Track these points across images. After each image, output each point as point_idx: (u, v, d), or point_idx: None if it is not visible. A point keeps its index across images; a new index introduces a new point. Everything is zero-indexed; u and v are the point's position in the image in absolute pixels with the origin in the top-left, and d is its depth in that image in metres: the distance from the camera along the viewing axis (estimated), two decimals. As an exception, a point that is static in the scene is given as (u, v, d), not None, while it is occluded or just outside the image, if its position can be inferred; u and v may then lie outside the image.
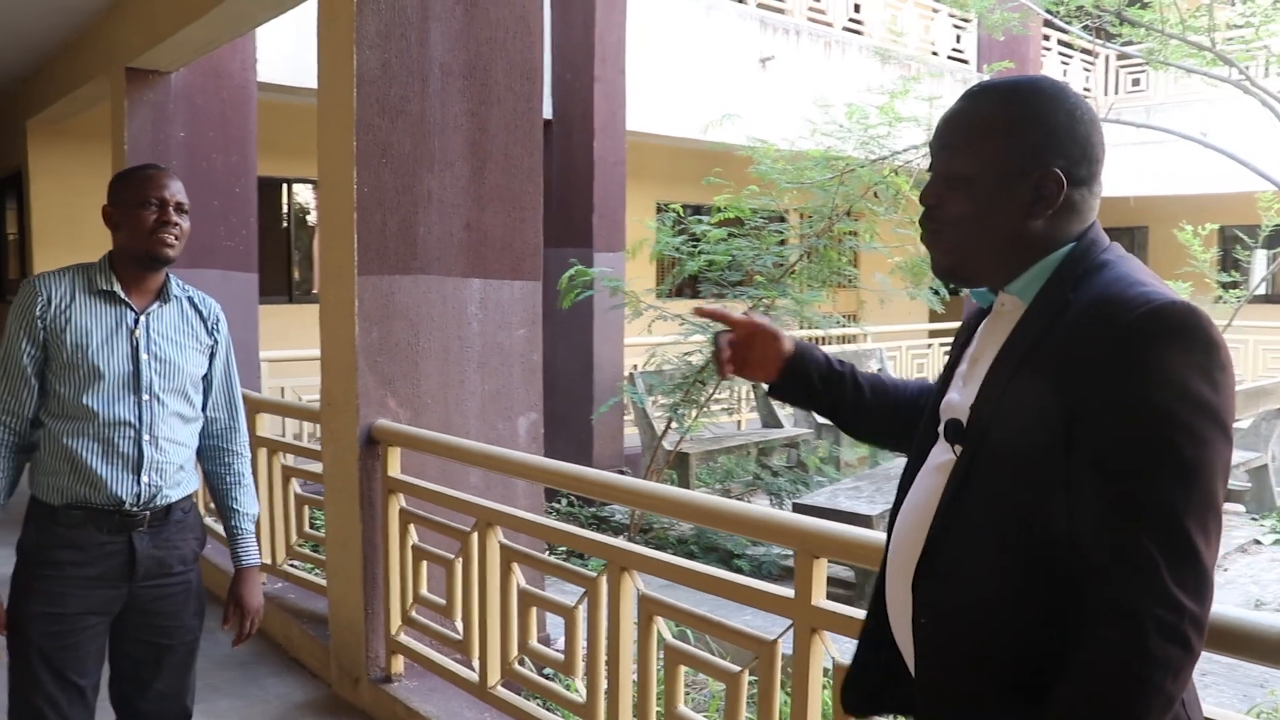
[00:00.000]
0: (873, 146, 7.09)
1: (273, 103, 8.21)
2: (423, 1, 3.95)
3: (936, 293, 6.87)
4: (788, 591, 2.45)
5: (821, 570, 2.40)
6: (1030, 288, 1.42)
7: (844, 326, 11.46)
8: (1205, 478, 1.24)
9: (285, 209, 11.29)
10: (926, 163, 6.33)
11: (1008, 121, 1.41)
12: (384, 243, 3.94)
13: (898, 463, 8.02)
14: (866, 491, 6.77)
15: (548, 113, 9.62)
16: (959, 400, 1.49)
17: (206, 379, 2.68)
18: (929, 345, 14.07)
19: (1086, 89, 16.59)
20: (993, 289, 1.50)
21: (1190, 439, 1.24)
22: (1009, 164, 1.40)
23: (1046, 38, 15.05)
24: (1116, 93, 17.33)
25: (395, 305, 3.98)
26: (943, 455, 1.50)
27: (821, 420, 9.89)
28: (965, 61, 14.23)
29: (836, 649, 2.40)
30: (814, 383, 1.82)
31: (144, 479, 2.47)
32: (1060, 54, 15.88)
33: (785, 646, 2.49)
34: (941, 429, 1.52)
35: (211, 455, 2.76)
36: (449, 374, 4.13)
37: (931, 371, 13.88)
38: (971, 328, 1.59)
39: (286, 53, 7.66)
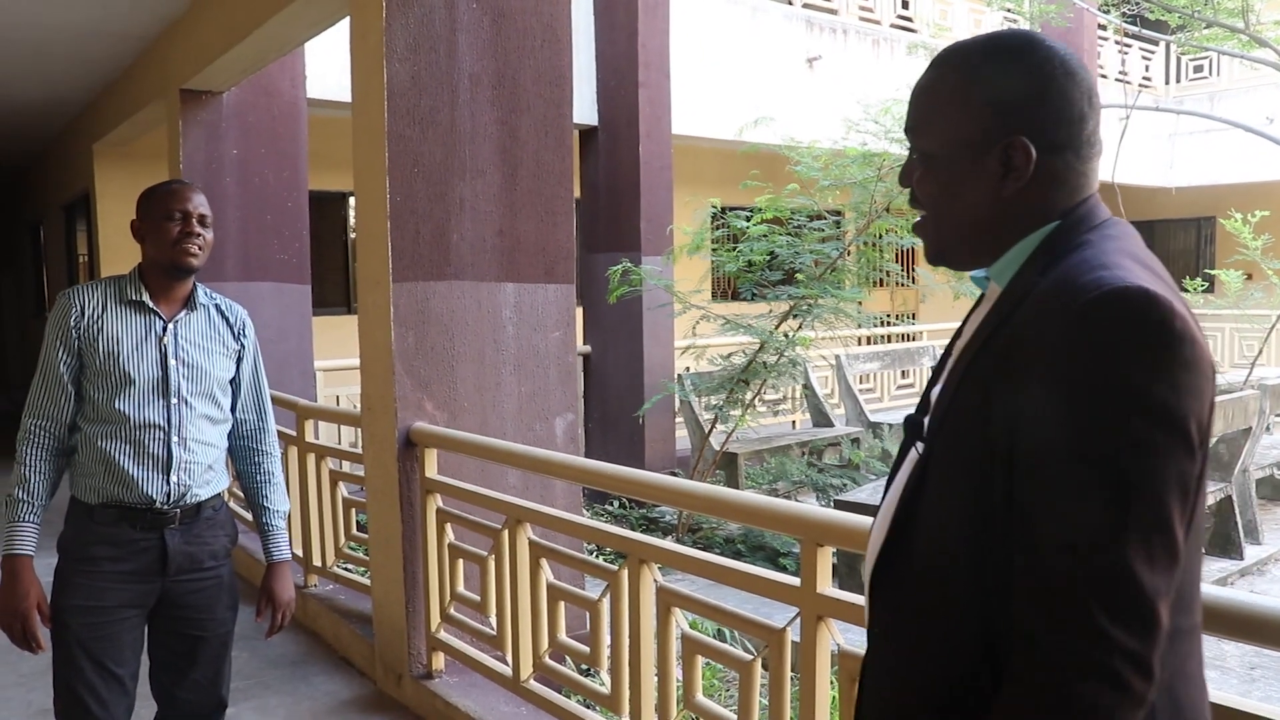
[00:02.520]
0: (913, 142, 7.06)
1: (331, 118, 8.40)
2: (451, 14, 4.06)
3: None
4: (794, 580, 2.50)
5: (826, 558, 2.44)
6: (1007, 271, 1.27)
7: (895, 324, 11.40)
8: (1152, 493, 1.06)
9: (346, 222, 11.51)
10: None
11: (964, 90, 1.26)
12: (418, 250, 4.04)
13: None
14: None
15: (593, 119, 9.73)
16: (935, 396, 1.36)
17: (234, 382, 2.79)
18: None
19: (1147, 78, 16.31)
20: (983, 268, 1.34)
21: (1135, 447, 1.06)
22: (969, 137, 1.25)
23: (1103, 28, 14.81)
24: (1179, 81, 17.03)
25: (430, 311, 4.08)
26: (912, 454, 1.36)
27: (873, 418, 9.88)
28: (1018, 55, 14.07)
29: (843, 636, 2.44)
30: None
31: (173, 478, 2.59)
32: (1118, 44, 15.62)
33: (796, 634, 2.53)
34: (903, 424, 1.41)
35: (242, 455, 2.88)
36: (485, 377, 4.23)
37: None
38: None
39: (341, 69, 7.83)
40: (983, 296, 1.37)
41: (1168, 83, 16.90)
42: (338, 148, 8.73)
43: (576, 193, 4.65)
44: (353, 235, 11.45)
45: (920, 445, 1.31)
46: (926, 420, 1.33)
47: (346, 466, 5.13)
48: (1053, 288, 1.15)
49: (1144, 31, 12.30)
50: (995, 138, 1.24)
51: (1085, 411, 1.06)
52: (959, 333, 1.40)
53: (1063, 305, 1.11)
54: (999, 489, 1.15)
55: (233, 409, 2.81)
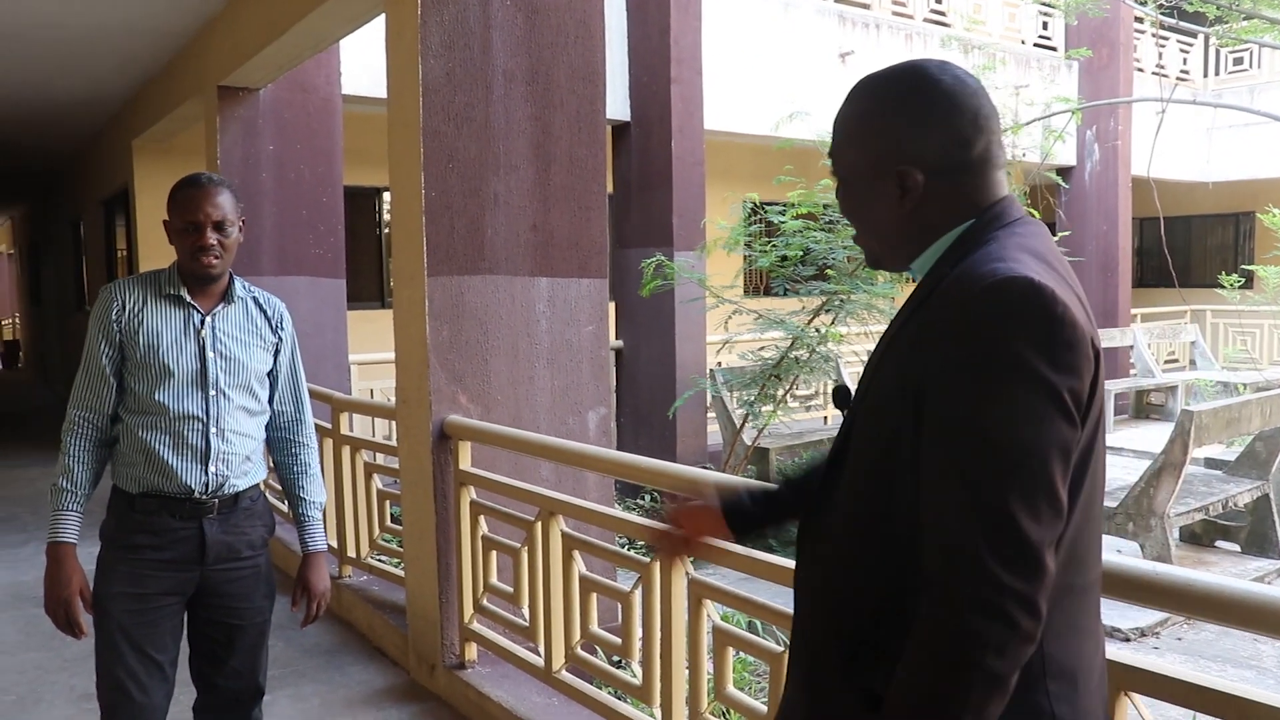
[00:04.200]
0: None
1: (366, 114, 8.47)
2: (485, 11, 4.09)
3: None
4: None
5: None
6: (925, 265, 1.43)
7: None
8: (1036, 456, 1.20)
9: (379, 217, 11.60)
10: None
11: (861, 125, 1.44)
12: (452, 244, 4.08)
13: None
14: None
15: (626, 115, 9.75)
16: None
17: (272, 374, 2.83)
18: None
19: (1184, 71, 16.13)
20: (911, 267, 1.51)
21: (1023, 416, 1.20)
22: (866, 165, 1.43)
23: (1140, 20, 14.67)
24: (1218, 74, 16.83)
25: (464, 305, 4.12)
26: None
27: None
28: (1053, 49, 13.96)
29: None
30: (758, 512, 1.89)
31: (211, 469, 2.64)
32: (1155, 35, 15.45)
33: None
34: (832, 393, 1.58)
35: (280, 446, 2.92)
36: (518, 370, 4.26)
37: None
38: None
39: (375, 65, 7.90)
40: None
41: (1206, 76, 16.70)
42: (371, 143, 8.81)
43: (609, 188, 4.67)
44: (386, 230, 11.53)
45: (844, 413, 1.48)
46: (847, 390, 1.51)
47: (381, 459, 5.18)
48: (956, 277, 1.30)
49: (1182, 24, 12.17)
50: (888, 167, 1.40)
51: (976, 382, 1.22)
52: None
53: (961, 291, 1.27)
54: (907, 450, 1.30)
55: (270, 401, 2.84)
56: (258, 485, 2.79)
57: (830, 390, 10.30)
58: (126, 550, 2.63)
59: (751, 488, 1.96)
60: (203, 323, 2.67)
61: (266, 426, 2.85)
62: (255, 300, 2.81)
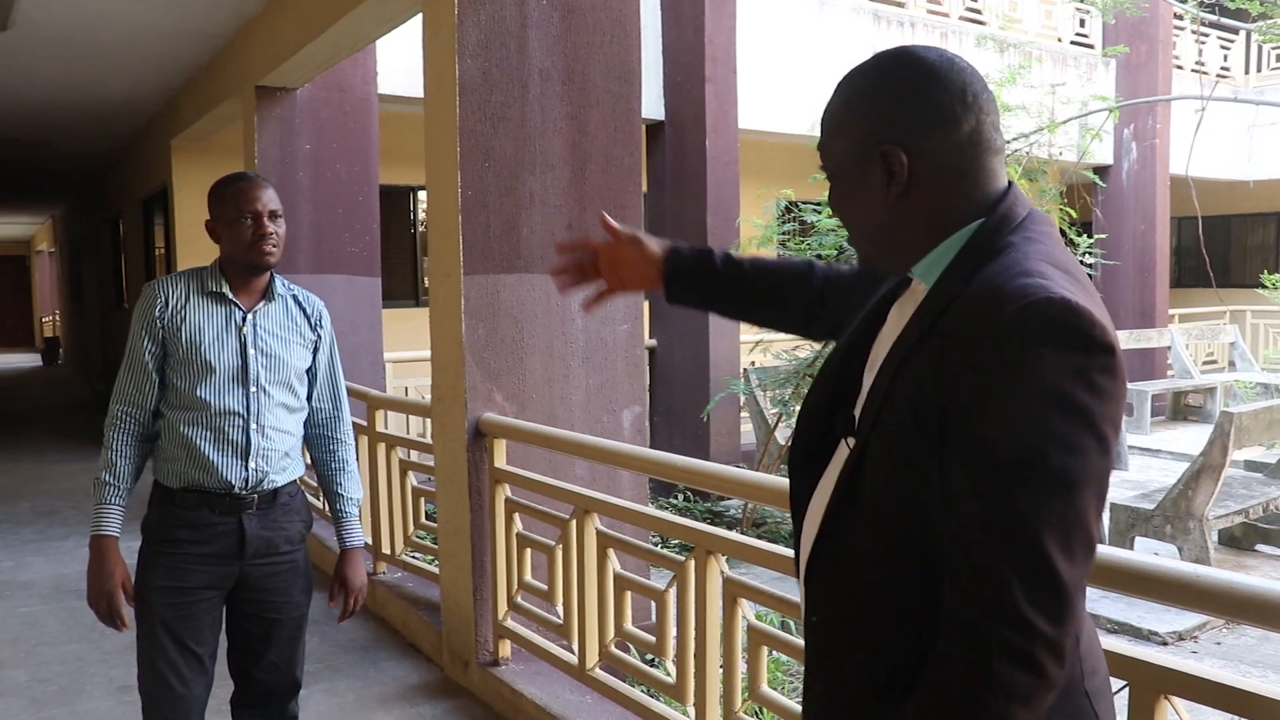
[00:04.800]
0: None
1: (400, 114, 8.52)
2: (521, 10, 4.11)
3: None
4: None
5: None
6: (933, 271, 1.31)
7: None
8: (1073, 491, 1.12)
9: (413, 216, 11.66)
10: (1039, 150, 6.22)
11: (844, 112, 1.35)
12: (488, 243, 4.10)
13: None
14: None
15: (660, 114, 9.75)
16: (862, 390, 1.40)
17: (311, 371, 2.85)
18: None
19: (1225, 68, 15.93)
20: (908, 272, 1.38)
21: (1059, 448, 1.12)
22: (852, 154, 1.34)
23: (1179, 17, 14.52)
24: (1259, 70, 16.60)
25: (500, 303, 4.14)
26: (842, 448, 1.39)
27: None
28: (1090, 47, 13.83)
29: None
30: (694, 272, 1.79)
31: (251, 464, 2.66)
32: (1195, 33, 15.28)
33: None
34: (839, 423, 1.41)
35: (318, 443, 2.95)
36: (553, 369, 4.28)
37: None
38: (887, 301, 1.47)
39: (410, 65, 7.96)
40: (903, 287, 1.42)
41: (1247, 73, 16.47)
42: (406, 142, 8.89)
43: (644, 187, 4.68)
44: (421, 229, 11.59)
45: (850, 439, 1.35)
46: (857, 414, 1.37)
47: (416, 456, 5.21)
48: (981, 294, 1.20)
49: (1223, 20, 12.03)
50: (871, 150, 1.30)
51: (1014, 413, 1.12)
52: (875, 317, 1.46)
53: (990, 312, 1.16)
54: (933, 479, 1.20)
55: (309, 398, 2.87)
56: (296, 481, 2.81)
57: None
58: (167, 544, 2.66)
59: (697, 252, 1.81)
60: (244, 319, 2.70)
61: (305, 423, 2.88)
62: (295, 298, 2.84)
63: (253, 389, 2.68)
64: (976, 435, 1.15)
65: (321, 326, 2.87)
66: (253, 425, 2.67)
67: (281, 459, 2.73)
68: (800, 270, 1.80)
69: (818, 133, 1.42)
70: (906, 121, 1.28)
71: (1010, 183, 1.33)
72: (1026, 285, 1.16)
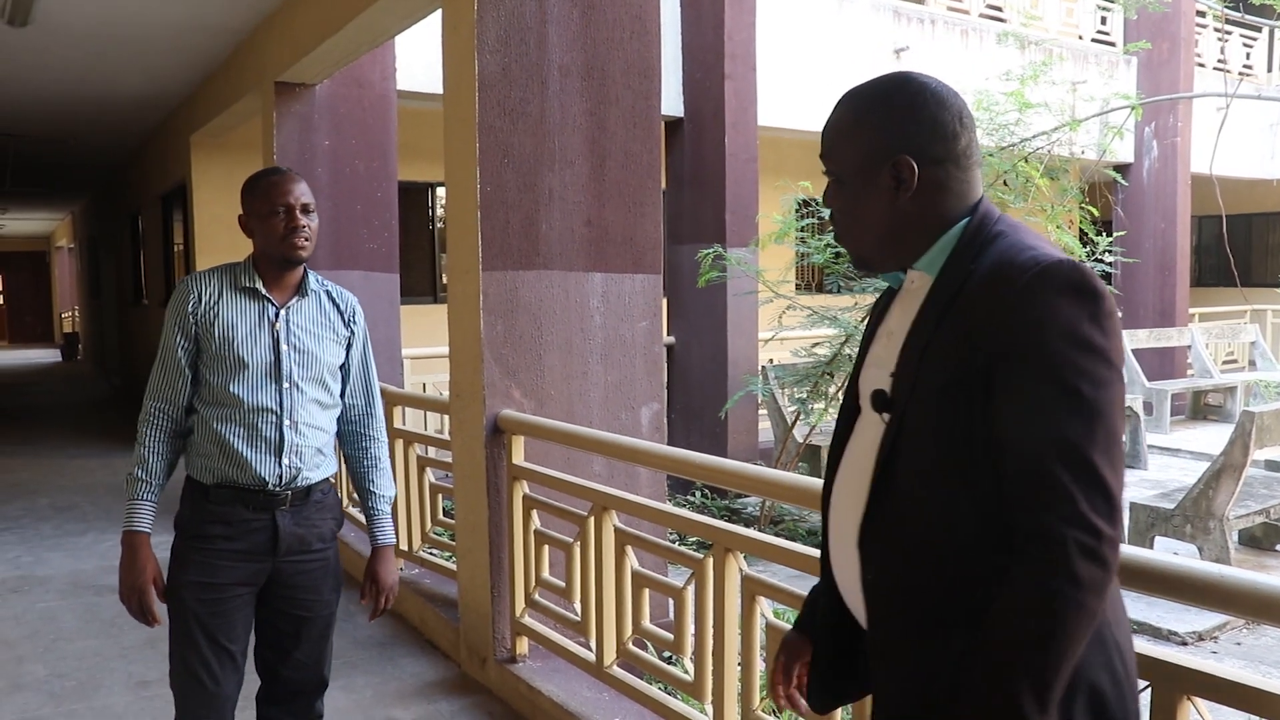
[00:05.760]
0: (1003, 134, 6.97)
1: (419, 110, 8.52)
2: (541, 6, 4.10)
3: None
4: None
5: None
6: (935, 262, 1.54)
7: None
8: (1106, 414, 1.36)
9: (431, 212, 11.68)
10: (1059, 148, 6.19)
11: (856, 124, 1.56)
12: (507, 239, 4.10)
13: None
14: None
15: (679, 111, 9.73)
16: (879, 373, 1.60)
17: (344, 368, 2.84)
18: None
19: (1247, 66, 15.79)
20: (902, 269, 1.60)
21: (1089, 381, 1.35)
22: (863, 160, 1.55)
23: (1202, 14, 14.41)
24: (1283, 69, 16.47)
25: (519, 299, 4.13)
26: (870, 425, 1.60)
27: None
28: (1111, 44, 13.74)
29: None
30: (830, 634, 1.77)
31: (285, 461, 2.65)
32: (1217, 31, 15.16)
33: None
34: (867, 401, 1.62)
35: (351, 440, 2.93)
36: (572, 365, 4.27)
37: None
38: (883, 308, 1.71)
39: (429, 61, 7.96)
40: (894, 290, 1.66)
41: (1270, 70, 16.33)
42: (424, 139, 8.90)
43: (663, 184, 4.67)
44: (439, 225, 11.61)
45: (885, 415, 1.55)
46: (887, 391, 1.56)
47: (433, 453, 5.21)
48: (996, 269, 1.43)
49: (1246, 17, 11.93)
50: (883, 158, 1.52)
51: (1049, 358, 1.35)
52: (877, 316, 1.71)
53: (1012, 280, 1.40)
54: (976, 430, 1.42)
55: (342, 395, 2.86)
56: (328, 479, 2.80)
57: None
58: (200, 540, 2.65)
59: (808, 607, 1.86)
60: (277, 315, 2.69)
61: (338, 420, 2.87)
62: (329, 294, 2.82)
63: (286, 385, 2.67)
64: (1020, 381, 1.37)
65: (355, 323, 2.86)
66: (286, 421, 2.66)
67: (315, 455, 2.72)
68: None
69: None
70: (915, 136, 1.51)
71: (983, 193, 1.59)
72: (1035, 255, 1.41)
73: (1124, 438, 1.43)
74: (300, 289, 2.75)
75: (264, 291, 2.70)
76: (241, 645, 2.72)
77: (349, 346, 2.84)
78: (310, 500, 2.73)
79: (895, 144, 1.51)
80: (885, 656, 1.57)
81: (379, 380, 3.03)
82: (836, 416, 1.76)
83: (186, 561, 2.66)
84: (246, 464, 2.63)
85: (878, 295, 1.78)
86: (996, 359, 1.39)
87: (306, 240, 2.68)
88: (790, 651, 1.87)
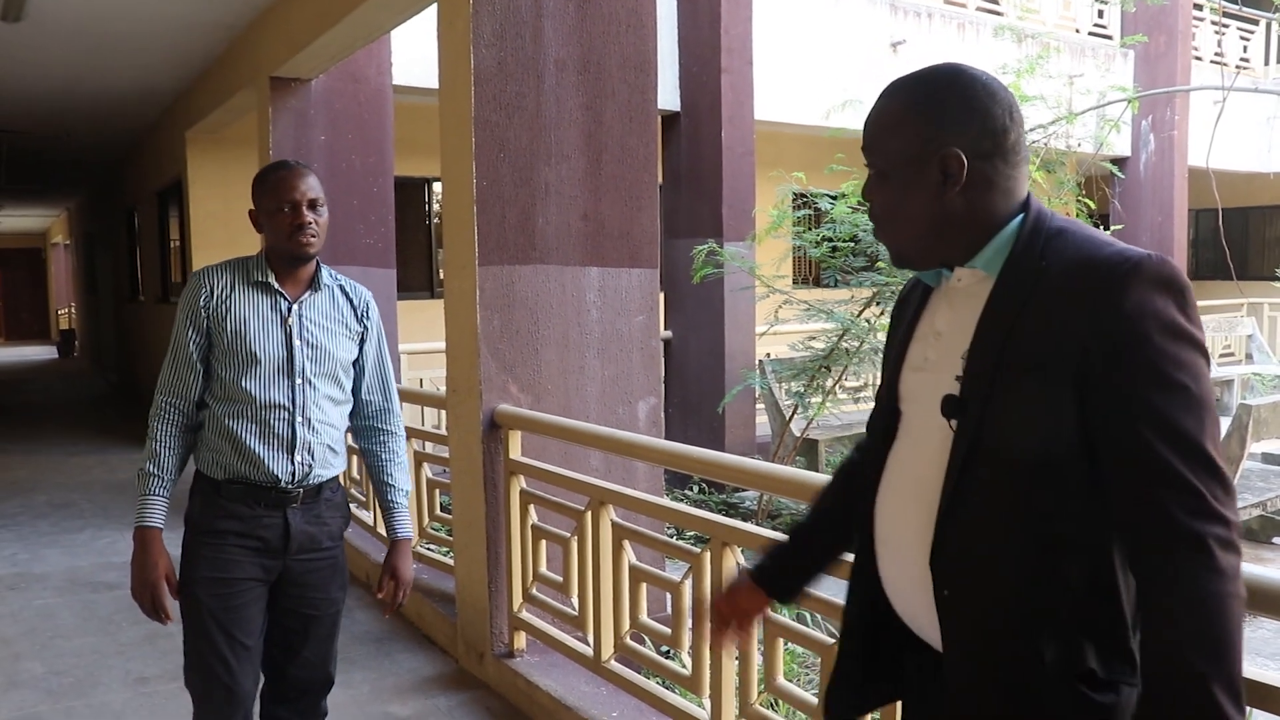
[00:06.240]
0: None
1: (415, 105, 8.50)
2: (536, 0, 4.09)
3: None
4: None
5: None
6: (995, 261, 1.50)
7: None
8: (1210, 404, 1.36)
9: (427, 207, 11.66)
10: (1056, 142, 6.18)
11: (904, 116, 1.51)
12: (503, 234, 4.09)
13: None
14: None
15: (676, 105, 9.72)
16: (935, 377, 1.55)
17: (358, 363, 2.80)
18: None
19: (1244, 59, 15.78)
20: (949, 267, 1.56)
21: (1190, 373, 1.35)
22: (911, 153, 1.50)
23: (1199, 7, 14.40)
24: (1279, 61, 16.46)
25: (515, 294, 4.13)
26: (928, 431, 1.54)
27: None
28: (1109, 38, 13.73)
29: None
30: (792, 570, 1.95)
31: (297, 458, 2.63)
32: (1214, 24, 15.14)
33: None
34: (920, 404, 1.58)
35: (367, 435, 2.90)
36: (569, 360, 4.26)
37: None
38: (916, 307, 1.65)
39: (425, 56, 7.94)
40: (928, 290, 1.63)
41: (1267, 64, 16.33)
42: (420, 133, 8.89)
43: (659, 178, 4.66)
44: (435, 220, 11.59)
45: (954, 422, 1.49)
46: (955, 398, 1.50)
47: (430, 448, 5.20)
48: (1080, 264, 1.40)
49: (1244, 10, 11.92)
50: (932, 151, 1.48)
51: (1153, 352, 1.34)
52: (911, 320, 1.64)
53: (1104, 276, 1.37)
54: (1073, 434, 1.39)
55: (358, 391, 2.82)
56: (338, 477, 2.77)
57: (875, 379, 10.25)
58: (212, 535, 2.63)
59: (774, 551, 1.96)
60: (290, 310, 2.66)
61: (354, 415, 2.84)
62: (342, 288, 2.79)
63: (298, 381, 2.64)
64: (1126, 377, 1.35)
65: (369, 318, 2.81)
66: (298, 418, 2.63)
67: (326, 452, 2.70)
68: (842, 485, 1.90)
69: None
70: (968, 129, 1.47)
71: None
72: (1124, 251, 1.39)
73: None
74: (313, 283, 2.71)
75: (276, 286, 2.66)
76: (256, 641, 2.69)
77: (363, 341, 2.80)
78: (321, 498, 2.71)
79: (946, 136, 1.47)
80: (968, 672, 1.50)
81: None
82: (869, 421, 1.73)
83: (198, 557, 2.63)
84: (259, 460, 2.60)
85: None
86: (1095, 357, 1.36)
87: (313, 236, 2.64)
88: (744, 600, 1.97)
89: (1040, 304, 1.42)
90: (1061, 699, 1.41)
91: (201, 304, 2.63)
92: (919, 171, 1.49)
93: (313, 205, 2.65)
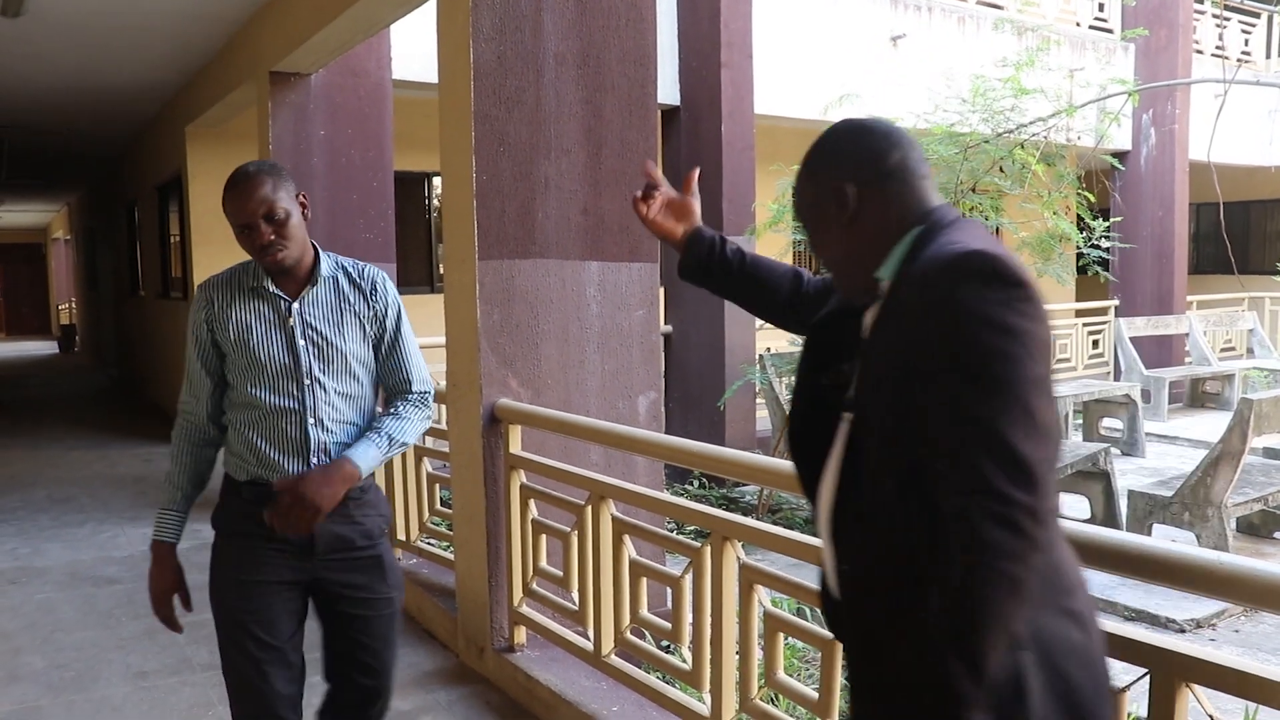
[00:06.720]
0: (999, 120, 6.95)
1: (415, 99, 8.48)
2: (536, -6, 4.08)
3: (1084, 270, 6.70)
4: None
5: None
6: (891, 271, 1.65)
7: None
8: (1019, 389, 1.41)
9: (427, 202, 11.66)
10: (1056, 135, 6.17)
11: (803, 174, 1.76)
12: (503, 228, 4.08)
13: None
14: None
15: (676, 100, 9.71)
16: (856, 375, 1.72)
17: (379, 348, 2.67)
18: (1074, 325, 13.64)
19: (1245, 52, 15.75)
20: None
21: (1001, 359, 1.41)
22: (811, 200, 1.74)
23: (1200, 0, 14.38)
24: (1281, 55, 16.43)
25: (515, 288, 4.12)
26: (843, 423, 1.71)
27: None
28: (1109, 31, 13.70)
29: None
30: (708, 253, 2.22)
31: (312, 460, 2.56)
32: (1215, 17, 15.12)
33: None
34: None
35: (387, 404, 2.74)
36: (569, 354, 4.26)
37: (1075, 352, 13.47)
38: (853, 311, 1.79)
39: (425, 51, 7.93)
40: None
41: (1269, 56, 16.31)
42: (420, 128, 8.88)
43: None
44: (435, 215, 11.58)
45: (847, 415, 1.68)
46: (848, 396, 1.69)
47: (430, 442, 5.21)
48: (922, 264, 1.54)
49: (1245, 3, 11.89)
50: (826, 189, 1.69)
51: (962, 339, 1.43)
52: (851, 320, 1.77)
53: (930, 271, 1.50)
54: (916, 421, 1.48)
55: (383, 375, 2.70)
56: (371, 474, 2.66)
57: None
58: (237, 537, 2.60)
59: (716, 236, 2.24)
60: (289, 310, 2.58)
61: (384, 395, 2.74)
62: (345, 272, 2.65)
63: (306, 382, 2.57)
64: (939, 365, 1.45)
65: (377, 297, 2.65)
66: (309, 420, 2.57)
67: (344, 452, 2.58)
68: (789, 275, 2.20)
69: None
70: (854, 165, 1.67)
71: (942, 201, 1.69)
72: (953, 247, 1.51)
73: (1044, 409, 1.44)
74: (311, 277, 2.61)
75: (272, 289, 2.58)
76: (288, 641, 2.62)
77: (380, 323, 2.65)
78: (349, 498, 2.59)
79: (832, 174, 1.68)
80: (858, 644, 1.66)
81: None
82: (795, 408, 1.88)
83: (224, 558, 2.61)
84: (275, 464, 2.55)
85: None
86: (919, 345, 1.47)
87: (280, 252, 2.52)
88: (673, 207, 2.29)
89: (902, 302, 1.57)
90: (939, 658, 1.43)
91: (204, 318, 2.60)
92: (822, 211, 1.70)
93: (270, 218, 2.49)
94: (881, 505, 1.56)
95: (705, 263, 2.23)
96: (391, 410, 2.69)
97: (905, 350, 1.51)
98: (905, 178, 1.67)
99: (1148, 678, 1.93)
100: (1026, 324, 1.42)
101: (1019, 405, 1.40)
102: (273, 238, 2.49)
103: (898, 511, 1.54)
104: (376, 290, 2.66)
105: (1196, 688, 1.89)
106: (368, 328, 2.64)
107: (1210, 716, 1.91)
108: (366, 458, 2.58)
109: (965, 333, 1.43)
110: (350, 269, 2.67)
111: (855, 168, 1.67)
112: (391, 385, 2.71)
